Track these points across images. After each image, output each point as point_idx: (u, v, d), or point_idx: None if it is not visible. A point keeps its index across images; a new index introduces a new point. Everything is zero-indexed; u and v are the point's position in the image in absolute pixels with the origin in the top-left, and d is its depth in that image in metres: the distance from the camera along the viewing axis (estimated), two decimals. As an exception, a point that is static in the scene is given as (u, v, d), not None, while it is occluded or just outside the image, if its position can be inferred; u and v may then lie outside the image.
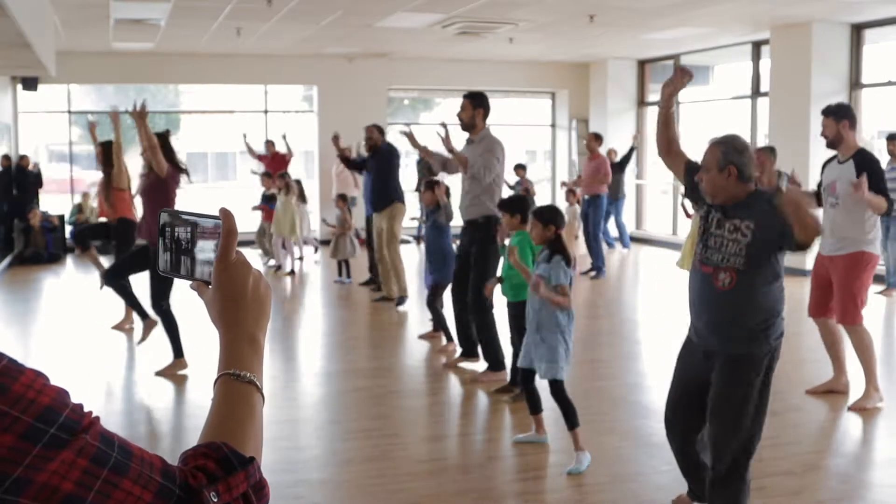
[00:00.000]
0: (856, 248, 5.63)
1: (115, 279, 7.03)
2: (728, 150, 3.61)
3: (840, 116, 5.62)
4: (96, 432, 0.88)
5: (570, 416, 4.73)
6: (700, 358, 3.83)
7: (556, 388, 4.74)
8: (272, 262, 12.28)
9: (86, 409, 0.89)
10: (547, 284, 4.69)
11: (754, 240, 3.54)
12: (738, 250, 3.56)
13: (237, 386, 1.09)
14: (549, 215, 4.90)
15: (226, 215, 1.12)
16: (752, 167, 3.67)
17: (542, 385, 4.91)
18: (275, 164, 13.49)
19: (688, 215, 9.52)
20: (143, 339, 7.21)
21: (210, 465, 0.96)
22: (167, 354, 6.64)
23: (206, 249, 1.15)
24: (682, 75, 3.90)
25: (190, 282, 1.18)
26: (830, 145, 5.73)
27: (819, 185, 6.01)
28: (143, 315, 7.21)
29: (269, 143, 14.22)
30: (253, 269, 1.15)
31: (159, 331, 6.82)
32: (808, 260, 11.35)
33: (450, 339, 7.36)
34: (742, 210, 3.59)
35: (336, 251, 10.87)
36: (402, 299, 9.21)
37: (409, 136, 7.78)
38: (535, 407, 5.02)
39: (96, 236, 8.86)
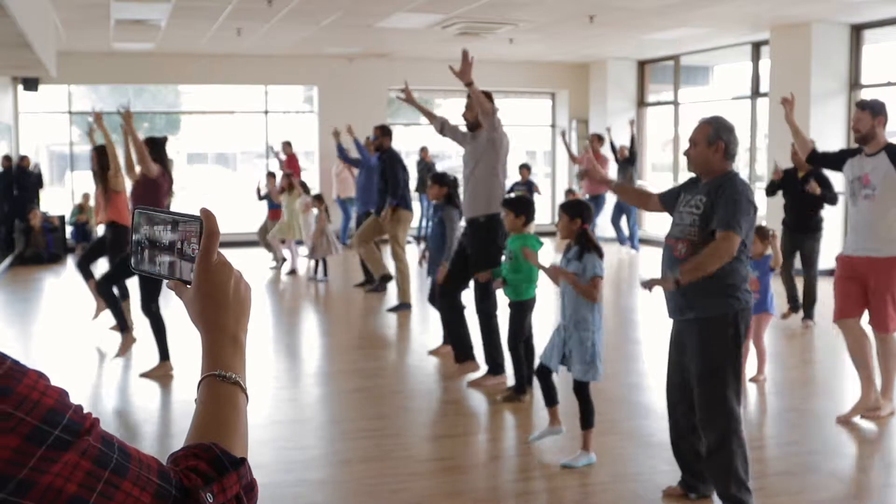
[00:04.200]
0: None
1: (108, 287, 6.90)
2: (719, 127, 3.93)
3: (877, 112, 5.38)
4: (97, 434, 0.88)
5: (588, 417, 4.69)
6: (678, 335, 4.04)
7: (582, 388, 4.69)
8: (273, 262, 12.30)
9: (84, 411, 0.89)
10: (580, 279, 4.66)
11: (703, 212, 3.84)
12: (693, 221, 3.88)
13: (223, 387, 1.09)
14: (577, 209, 4.79)
15: (207, 216, 1.11)
16: (737, 147, 3.97)
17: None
18: (292, 166, 13.60)
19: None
20: (119, 354, 7.07)
21: (202, 465, 0.97)
22: (155, 357, 6.63)
23: (185, 249, 1.13)
24: None
25: (166, 280, 1.17)
26: (861, 140, 5.44)
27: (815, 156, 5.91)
28: (123, 328, 7.10)
29: (286, 145, 14.12)
30: (234, 270, 1.15)
31: (147, 333, 6.80)
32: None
33: (447, 341, 7.15)
34: (706, 187, 3.89)
35: (314, 251, 10.97)
36: (402, 305, 9.07)
37: (407, 94, 6.93)
38: (552, 399, 4.97)
39: (95, 257, 8.14)
